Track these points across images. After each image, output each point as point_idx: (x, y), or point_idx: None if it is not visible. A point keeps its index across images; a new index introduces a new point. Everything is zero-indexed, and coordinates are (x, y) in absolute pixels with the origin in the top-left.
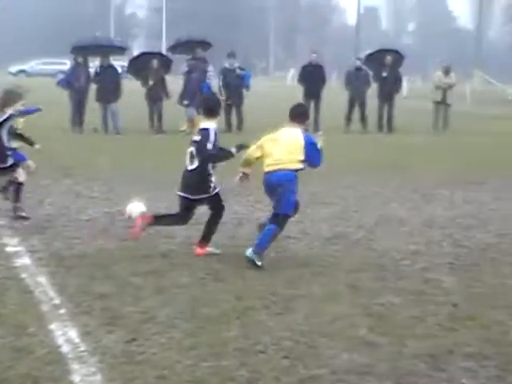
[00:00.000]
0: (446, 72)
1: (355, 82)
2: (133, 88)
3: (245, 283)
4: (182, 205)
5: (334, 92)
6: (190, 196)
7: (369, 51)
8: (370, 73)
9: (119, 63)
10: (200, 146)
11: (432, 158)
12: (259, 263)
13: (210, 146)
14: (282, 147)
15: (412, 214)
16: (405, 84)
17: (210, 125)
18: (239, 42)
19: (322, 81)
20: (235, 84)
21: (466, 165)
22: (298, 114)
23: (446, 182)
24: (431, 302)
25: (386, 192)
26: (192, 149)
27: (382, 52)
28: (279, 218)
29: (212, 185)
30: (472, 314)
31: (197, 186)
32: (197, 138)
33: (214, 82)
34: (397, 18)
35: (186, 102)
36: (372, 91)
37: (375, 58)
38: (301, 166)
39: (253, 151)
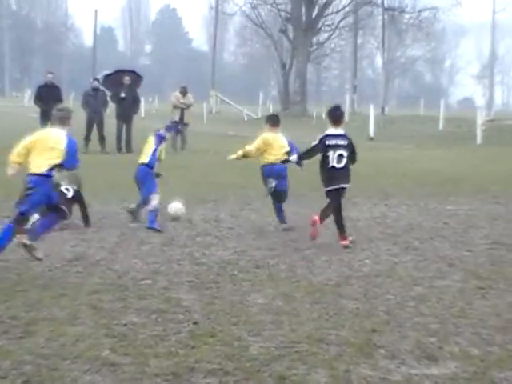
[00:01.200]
0: (184, 92)
1: (93, 102)
2: None
3: None
4: (337, 195)
5: (73, 112)
6: (345, 185)
7: (106, 72)
8: (108, 93)
9: None
10: (352, 148)
11: (170, 177)
12: None
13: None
14: None
15: (152, 233)
16: (143, 104)
17: (342, 131)
18: None
19: (58, 101)
20: None
21: (207, 183)
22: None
23: (185, 201)
24: (172, 321)
25: (125, 212)
26: (341, 152)
27: (120, 73)
28: None
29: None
30: (212, 330)
31: (348, 178)
32: (341, 142)
33: None
34: (133, 39)
35: None
36: (111, 111)
37: (113, 79)
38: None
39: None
